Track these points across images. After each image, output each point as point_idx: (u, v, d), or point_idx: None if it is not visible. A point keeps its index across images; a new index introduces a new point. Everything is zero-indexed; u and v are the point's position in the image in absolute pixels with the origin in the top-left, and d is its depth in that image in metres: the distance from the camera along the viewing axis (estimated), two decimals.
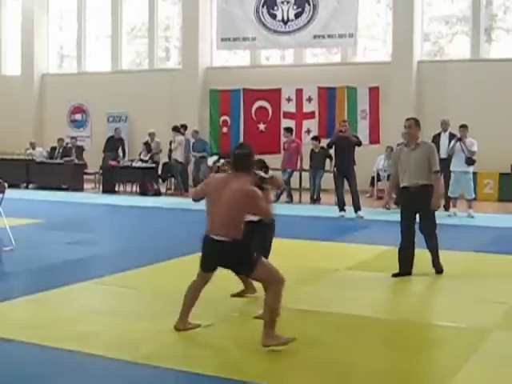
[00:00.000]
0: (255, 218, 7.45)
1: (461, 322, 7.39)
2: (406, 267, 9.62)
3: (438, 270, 9.76)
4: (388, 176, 20.39)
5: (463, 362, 6.08)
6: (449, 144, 17.02)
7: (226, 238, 6.49)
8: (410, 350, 6.47)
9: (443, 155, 16.51)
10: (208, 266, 6.86)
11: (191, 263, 10.44)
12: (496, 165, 20.52)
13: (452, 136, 17.40)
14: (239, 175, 6.56)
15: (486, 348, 6.54)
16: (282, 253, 11.42)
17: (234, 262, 6.61)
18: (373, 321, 7.45)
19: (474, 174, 17.46)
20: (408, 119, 9.94)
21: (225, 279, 9.43)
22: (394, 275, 9.55)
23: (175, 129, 22.25)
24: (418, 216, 9.68)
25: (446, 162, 16.21)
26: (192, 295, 6.96)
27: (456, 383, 5.62)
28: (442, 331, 7.20)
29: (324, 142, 18.97)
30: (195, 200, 6.97)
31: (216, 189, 6.62)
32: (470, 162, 16.55)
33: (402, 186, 9.76)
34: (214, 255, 6.67)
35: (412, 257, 9.64)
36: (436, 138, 17.51)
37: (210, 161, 23.79)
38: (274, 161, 20.69)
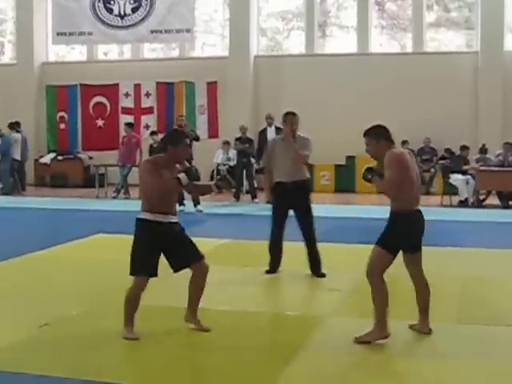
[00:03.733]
0: None
1: (298, 309, 7.54)
2: (277, 262, 9.45)
3: (320, 273, 9.35)
4: (227, 170, 20.66)
5: (298, 348, 6.22)
6: None
7: None
8: (248, 338, 6.54)
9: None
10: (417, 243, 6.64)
11: (27, 263, 10.24)
12: (332, 157, 21.08)
13: (278, 129, 17.85)
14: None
15: (321, 334, 6.70)
16: (123, 249, 11.38)
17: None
18: (208, 312, 7.48)
19: (310, 165, 17.78)
20: (292, 114, 9.34)
21: (57, 275, 9.30)
22: (268, 271, 9.38)
23: (11, 126, 21.61)
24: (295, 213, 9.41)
25: None
26: None
27: (290, 370, 5.73)
28: (277, 319, 7.32)
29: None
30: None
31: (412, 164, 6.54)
32: None
33: (277, 181, 9.35)
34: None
35: (281, 252, 9.48)
36: (262, 133, 17.98)
37: (48, 158, 23.38)
38: (113, 157, 20.63)
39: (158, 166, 6.49)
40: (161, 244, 6.54)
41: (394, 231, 6.46)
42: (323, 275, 9.26)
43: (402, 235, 6.47)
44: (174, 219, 6.63)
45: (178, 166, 6.66)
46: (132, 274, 6.58)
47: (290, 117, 9.31)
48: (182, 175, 6.46)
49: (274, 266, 9.47)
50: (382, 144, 6.51)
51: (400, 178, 6.30)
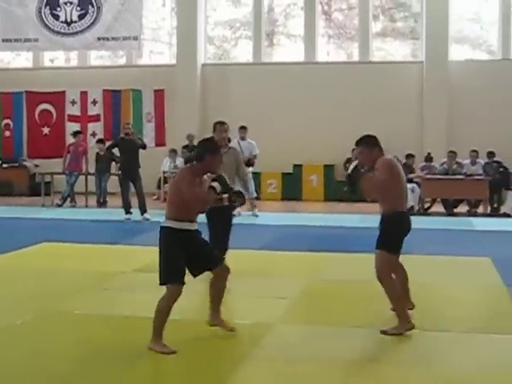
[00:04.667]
0: None
1: (245, 318, 7.54)
2: None
3: None
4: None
5: (245, 356, 6.23)
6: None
7: None
8: (194, 348, 6.53)
9: None
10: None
11: None
12: (279, 165, 21.16)
13: None
14: None
15: (267, 342, 6.71)
16: (69, 257, 11.29)
17: None
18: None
19: (257, 173, 17.91)
20: (223, 123, 9.59)
21: (2, 284, 9.18)
22: None
23: None
24: None
25: None
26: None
27: (236, 377, 5.73)
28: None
29: None
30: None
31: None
32: (249, 163, 17.04)
33: None
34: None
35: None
36: None
37: None
38: (59, 165, 20.41)
39: (195, 175, 6.45)
40: (187, 251, 6.46)
41: (391, 232, 7.03)
42: None
43: (398, 234, 7.08)
44: (196, 226, 6.64)
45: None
46: (165, 283, 6.42)
47: (219, 126, 9.46)
48: (215, 184, 6.54)
49: None
50: (375, 152, 7.14)
51: (388, 182, 6.91)
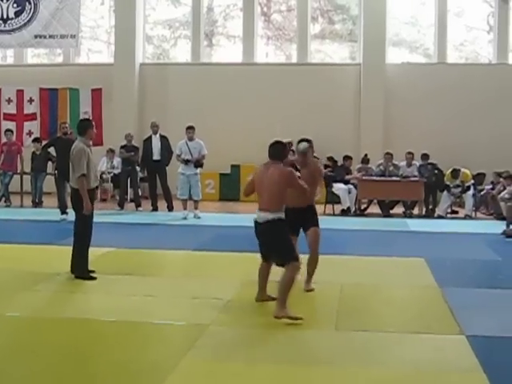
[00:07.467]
0: None
1: (178, 319, 7.52)
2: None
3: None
4: (111, 178, 20.47)
5: (180, 357, 6.21)
6: (161, 145, 17.88)
7: None
8: (128, 349, 6.50)
9: (156, 157, 17.95)
10: None
11: None
12: (216, 165, 21.11)
13: (163, 137, 17.99)
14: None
15: (202, 343, 6.71)
16: (2, 258, 11.13)
17: None
18: (92, 322, 7.40)
19: None
20: (85, 120, 10.70)
21: None
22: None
23: None
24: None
25: (160, 164, 17.86)
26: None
27: (173, 378, 5.72)
28: (160, 329, 7.28)
29: None
30: None
31: None
32: (198, 164, 17.03)
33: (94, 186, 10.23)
34: None
35: None
36: (147, 141, 18.04)
37: None
38: None
39: None
40: None
41: (316, 215, 9.00)
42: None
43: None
44: None
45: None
46: (292, 260, 7.55)
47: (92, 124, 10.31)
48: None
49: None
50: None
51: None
